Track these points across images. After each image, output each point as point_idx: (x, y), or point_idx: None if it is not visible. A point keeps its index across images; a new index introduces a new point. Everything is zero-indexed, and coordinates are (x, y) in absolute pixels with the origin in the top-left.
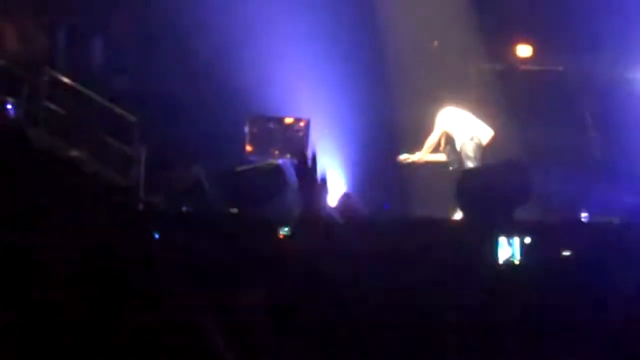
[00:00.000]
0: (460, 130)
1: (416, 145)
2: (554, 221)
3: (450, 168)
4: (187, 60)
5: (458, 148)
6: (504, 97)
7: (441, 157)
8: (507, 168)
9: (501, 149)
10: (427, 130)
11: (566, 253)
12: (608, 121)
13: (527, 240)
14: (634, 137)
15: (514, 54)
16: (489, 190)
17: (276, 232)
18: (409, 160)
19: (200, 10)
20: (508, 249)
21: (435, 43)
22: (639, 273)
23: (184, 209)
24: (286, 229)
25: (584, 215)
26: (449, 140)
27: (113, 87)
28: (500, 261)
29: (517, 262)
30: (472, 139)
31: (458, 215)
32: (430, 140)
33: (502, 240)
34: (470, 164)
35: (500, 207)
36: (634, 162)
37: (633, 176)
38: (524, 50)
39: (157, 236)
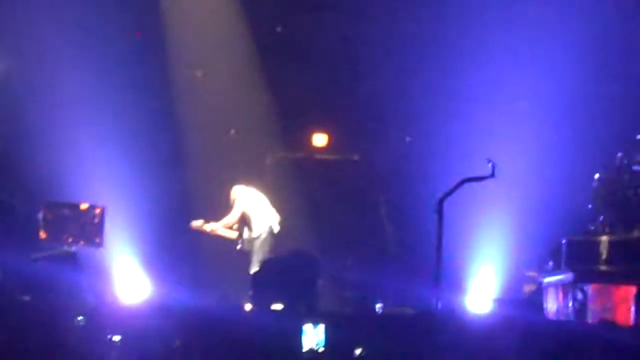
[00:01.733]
0: (258, 214)
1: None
2: (350, 312)
3: (239, 247)
4: None
5: (254, 234)
6: (300, 184)
7: (233, 234)
8: (295, 258)
9: (295, 236)
10: (219, 208)
11: (358, 352)
12: (402, 212)
13: (326, 329)
14: (428, 227)
15: (310, 143)
16: (279, 281)
17: (72, 321)
18: (202, 227)
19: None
20: (314, 337)
21: (233, 131)
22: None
23: None
24: (80, 318)
25: (378, 306)
26: (246, 221)
27: None
28: (305, 348)
29: (320, 350)
30: (269, 229)
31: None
32: (230, 218)
33: (308, 327)
34: (262, 254)
35: (290, 295)
36: (427, 254)
37: (426, 268)
38: (319, 139)
39: None
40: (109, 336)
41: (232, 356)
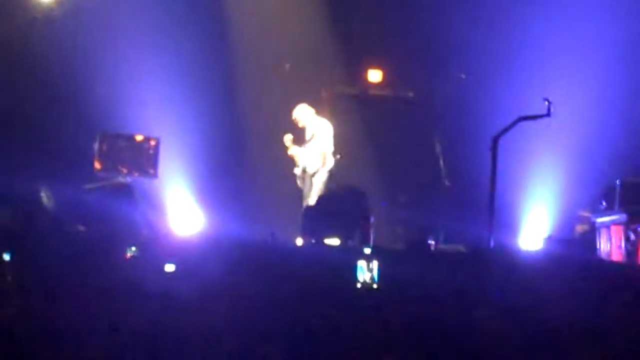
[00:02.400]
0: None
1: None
2: (403, 248)
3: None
4: (39, 75)
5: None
6: (355, 119)
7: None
8: (348, 194)
9: (349, 171)
10: (272, 143)
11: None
12: (456, 149)
13: (380, 264)
14: (481, 166)
15: (366, 79)
16: (334, 215)
17: (124, 252)
18: (289, 145)
19: (56, 26)
20: (368, 273)
21: (287, 66)
22: (487, 298)
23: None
24: (133, 248)
25: (431, 243)
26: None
27: None
28: (359, 284)
29: (375, 285)
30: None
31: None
32: (319, 146)
33: (362, 263)
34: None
35: (342, 229)
36: (480, 192)
37: (478, 206)
38: (374, 75)
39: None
40: (162, 266)
41: (286, 289)
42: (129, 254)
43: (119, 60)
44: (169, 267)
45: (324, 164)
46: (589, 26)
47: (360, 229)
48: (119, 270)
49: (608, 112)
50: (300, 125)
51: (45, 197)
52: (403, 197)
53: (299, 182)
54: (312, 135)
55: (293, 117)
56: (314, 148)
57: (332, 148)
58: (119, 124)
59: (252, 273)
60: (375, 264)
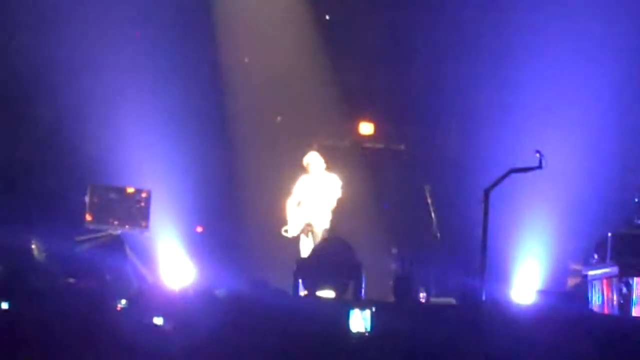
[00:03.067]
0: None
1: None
2: (394, 300)
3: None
4: (29, 126)
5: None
6: (346, 172)
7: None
8: (337, 246)
9: (340, 224)
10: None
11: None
12: (448, 202)
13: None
14: (473, 218)
15: (357, 132)
16: (323, 268)
17: (114, 304)
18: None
19: (47, 76)
20: (361, 321)
21: (279, 118)
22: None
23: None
24: (124, 301)
25: (422, 295)
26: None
27: None
28: (354, 331)
29: (367, 333)
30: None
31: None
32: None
33: (355, 312)
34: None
35: (336, 281)
36: (471, 244)
37: (470, 258)
38: (366, 128)
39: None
40: (151, 319)
41: (280, 341)
42: (119, 307)
43: (109, 111)
44: (158, 320)
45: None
46: (580, 77)
47: (354, 281)
48: (109, 322)
49: (600, 164)
50: (310, 172)
51: (36, 249)
52: (394, 249)
53: (298, 237)
54: (323, 188)
55: (305, 164)
56: (325, 202)
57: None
58: (110, 176)
59: (244, 325)
60: (367, 313)
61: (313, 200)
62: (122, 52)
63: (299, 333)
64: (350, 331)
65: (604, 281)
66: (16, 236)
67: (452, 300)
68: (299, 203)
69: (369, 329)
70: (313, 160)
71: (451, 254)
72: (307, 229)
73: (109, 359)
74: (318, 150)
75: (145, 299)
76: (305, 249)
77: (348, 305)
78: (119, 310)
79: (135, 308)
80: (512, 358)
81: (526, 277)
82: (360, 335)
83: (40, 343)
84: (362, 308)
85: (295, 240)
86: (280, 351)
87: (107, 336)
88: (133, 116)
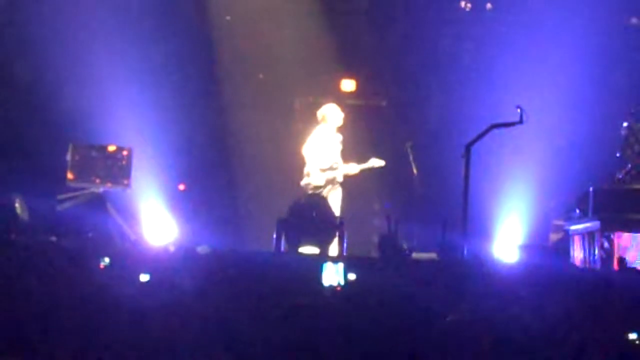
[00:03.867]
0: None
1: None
2: (376, 255)
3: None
4: (9, 86)
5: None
6: None
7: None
8: (316, 202)
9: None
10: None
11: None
12: (430, 157)
13: (351, 275)
14: (455, 173)
15: (339, 89)
16: (303, 223)
17: (97, 262)
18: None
19: (24, 34)
20: (335, 275)
21: (260, 75)
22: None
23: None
24: (107, 259)
25: (404, 248)
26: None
27: None
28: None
29: (339, 287)
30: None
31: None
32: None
33: (329, 266)
34: None
35: (319, 236)
36: (454, 199)
37: (452, 214)
38: (348, 85)
39: None
40: (136, 276)
41: (255, 295)
42: (102, 265)
43: (89, 69)
44: (144, 277)
45: None
46: (561, 36)
47: (338, 236)
48: (92, 280)
49: (580, 119)
50: (328, 123)
51: (19, 207)
52: (377, 205)
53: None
54: (341, 140)
55: (320, 116)
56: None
57: None
58: (92, 134)
59: (224, 282)
60: (341, 267)
61: (334, 152)
62: (102, 11)
63: (273, 289)
64: (322, 285)
65: (586, 235)
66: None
67: (433, 256)
68: (316, 153)
69: (342, 283)
70: (332, 111)
71: (434, 210)
72: (331, 180)
73: (94, 317)
74: (302, 105)
75: (129, 256)
76: (334, 202)
77: (322, 259)
78: (102, 269)
79: (118, 266)
80: (493, 314)
81: (508, 233)
82: (332, 289)
83: (22, 302)
84: (335, 262)
85: (285, 195)
86: (253, 306)
87: (91, 294)
88: (114, 74)
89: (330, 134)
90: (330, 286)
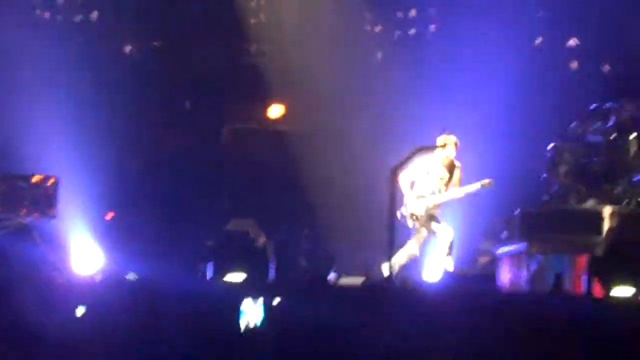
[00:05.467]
0: None
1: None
2: (300, 283)
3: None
4: None
5: None
6: (257, 156)
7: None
8: (242, 226)
9: (251, 207)
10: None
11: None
12: (356, 182)
13: (275, 302)
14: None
15: (266, 115)
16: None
17: (28, 294)
18: None
19: None
20: (255, 312)
21: (187, 103)
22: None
23: None
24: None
25: (332, 275)
26: None
27: None
28: (243, 326)
29: (256, 326)
30: None
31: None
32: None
33: (248, 302)
34: None
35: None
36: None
37: (378, 237)
38: (276, 111)
39: None
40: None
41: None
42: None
43: (14, 98)
44: (80, 310)
45: None
46: (481, 60)
47: (262, 264)
48: (22, 312)
49: (506, 142)
50: (448, 158)
51: None
52: (306, 230)
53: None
54: (454, 175)
55: (445, 145)
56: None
57: None
58: (16, 164)
59: (150, 310)
60: (260, 302)
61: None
62: (24, 39)
63: (193, 325)
64: (239, 328)
65: (513, 258)
66: None
67: (360, 280)
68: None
69: (258, 325)
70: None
71: (362, 233)
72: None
73: (24, 350)
74: (230, 132)
75: (59, 287)
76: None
77: (242, 293)
78: (33, 300)
79: (48, 297)
80: (418, 342)
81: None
82: (249, 331)
83: None
84: (255, 297)
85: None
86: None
87: (23, 327)
88: (38, 103)
89: (443, 163)
90: (247, 328)
